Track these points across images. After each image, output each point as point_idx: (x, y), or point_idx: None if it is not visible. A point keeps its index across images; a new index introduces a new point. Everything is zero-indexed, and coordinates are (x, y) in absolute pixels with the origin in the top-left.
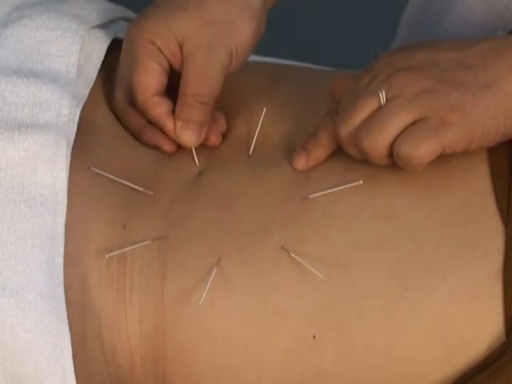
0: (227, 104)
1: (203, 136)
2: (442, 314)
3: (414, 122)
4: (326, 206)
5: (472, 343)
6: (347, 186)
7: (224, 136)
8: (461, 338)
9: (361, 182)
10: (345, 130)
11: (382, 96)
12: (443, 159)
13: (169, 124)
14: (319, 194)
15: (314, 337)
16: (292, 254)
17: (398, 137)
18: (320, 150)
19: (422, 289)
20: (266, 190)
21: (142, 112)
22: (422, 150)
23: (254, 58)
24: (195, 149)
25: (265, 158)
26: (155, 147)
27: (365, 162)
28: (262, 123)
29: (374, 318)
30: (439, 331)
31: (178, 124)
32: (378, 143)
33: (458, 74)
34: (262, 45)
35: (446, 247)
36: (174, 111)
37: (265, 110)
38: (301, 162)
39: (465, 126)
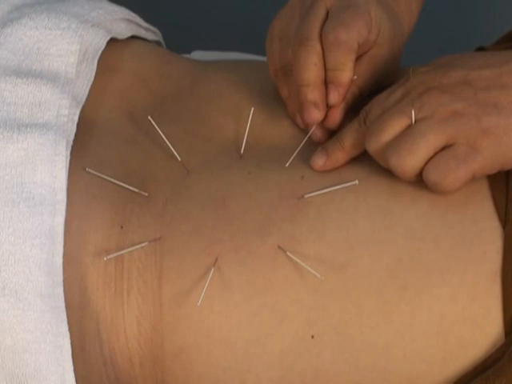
0: (217, 104)
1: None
2: (441, 315)
3: (444, 147)
4: (322, 205)
5: (471, 344)
6: (343, 185)
7: (214, 137)
8: (459, 339)
9: (356, 181)
10: (373, 145)
11: (412, 116)
12: None
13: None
14: (315, 193)
15: (313, 337)
16: (289, 254)
17: (426, 162)
18: (341, 154)
19: (420, 289)
20: (260, 189)
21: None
22: (451, 179)
23: (252, 57)
24: (175, 146)
25: (258, 157)
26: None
27: (361, 161)
28: (253, 123)
29: (373, 318)
30: (438, 332)
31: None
32: (406, 164)
33: (491, 95)
34: (261, 44)
35: (444, 247)
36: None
37: (253, 109)
38: (319, 163)
39: (496, 151)
